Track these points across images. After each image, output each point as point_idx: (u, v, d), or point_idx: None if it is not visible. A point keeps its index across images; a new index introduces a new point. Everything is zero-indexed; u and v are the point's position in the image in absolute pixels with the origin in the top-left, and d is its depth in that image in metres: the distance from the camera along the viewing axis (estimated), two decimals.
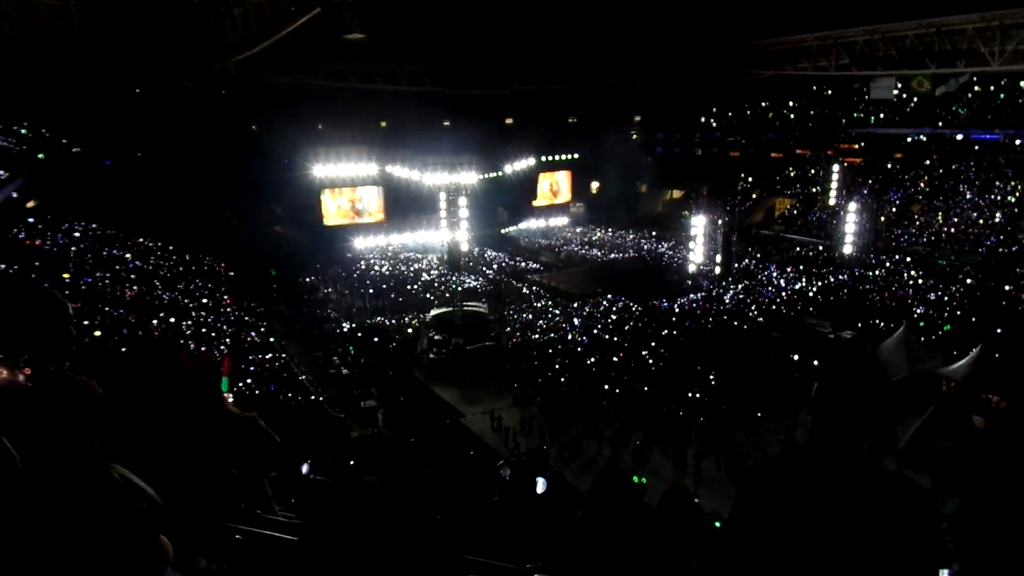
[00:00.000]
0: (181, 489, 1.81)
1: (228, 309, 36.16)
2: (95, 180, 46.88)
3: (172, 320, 30.83)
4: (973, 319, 30.85)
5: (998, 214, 45.04)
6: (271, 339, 32.99)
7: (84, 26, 30.28)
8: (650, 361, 28.79)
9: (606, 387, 25.94)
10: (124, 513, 1.29)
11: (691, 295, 39.44)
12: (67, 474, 1.32)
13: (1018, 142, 50.54)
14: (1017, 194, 46.20)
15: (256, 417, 3.37)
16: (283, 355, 30.88)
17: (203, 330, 30.70)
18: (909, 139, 56.72)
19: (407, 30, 45.21)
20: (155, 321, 28.17)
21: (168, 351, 3.73)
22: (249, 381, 24.60)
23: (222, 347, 28.78)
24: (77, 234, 39.38)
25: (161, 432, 2.54)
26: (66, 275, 32.32)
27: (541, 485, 4.25)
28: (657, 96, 62.41)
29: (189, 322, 31.52)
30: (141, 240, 42.41)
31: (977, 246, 42.76)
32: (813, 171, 56.94)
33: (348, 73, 45.02)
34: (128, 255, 39.62)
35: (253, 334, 32.80)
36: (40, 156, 47.09)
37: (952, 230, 45.36)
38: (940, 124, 55.08)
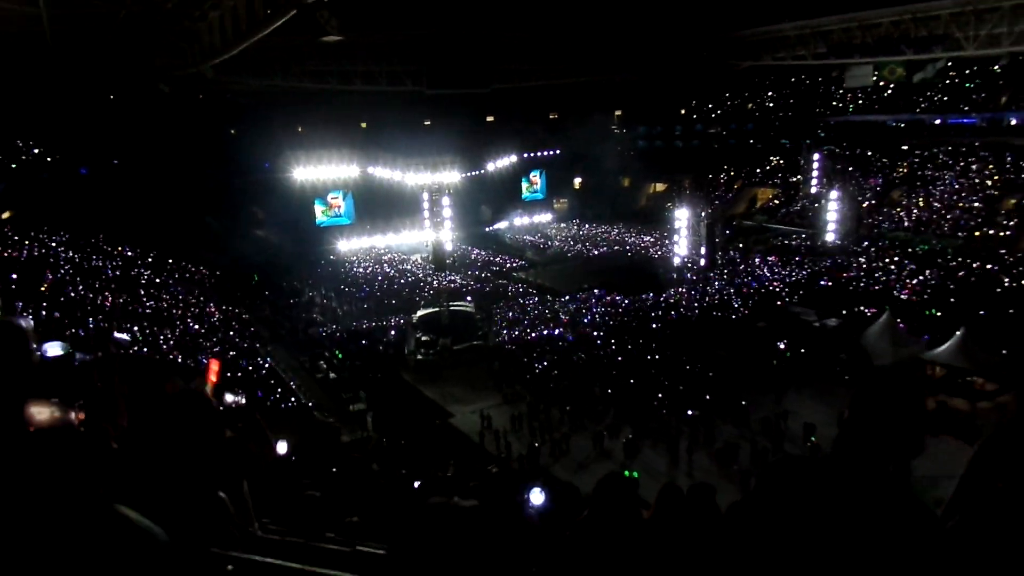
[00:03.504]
0: (168, 515, 1.70)
1: (212, 316, 35.78)
2: (71, 189, 46.26)
3: (155, 328, 30.47)
4: (955, 302, 31.18)
5: (976, 198, 45.56)
6: (256, 345, 32.68)
7: (55, 32, 29.76)
8: (637, 355, 28.81)
9: (595, 383, 25.95)
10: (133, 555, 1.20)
11: (676, 287, 39.55)
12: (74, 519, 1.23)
13: (994, 125, 51.20)
14: (995, 177, 46.73)
15: (244, 440, 3.26)
16: (268, 360, 30.59)
17: (186, 338, 30.34)
18: (888, 125, 57.27)
19: (385, 31, 44.95)
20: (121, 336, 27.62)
21: (149, 378, 3.60)
22: (236, 389, 24.34)
23: (207, 355, 28.48)
24: (54, 244, 38.80)
25: (148, 458, 2.44)
26: (44, 286, 31.86)
27: (537, 496, 4.00)
28: (637, 90, 62.54)
29: (173, 331, 31.17)
30: (120, 248, 41.86)
31: (957, 230, 43.23)
32: (793, 160, 57.32)
33: (327, 74, 44.73)
34: (108, 264, 39.10)
35: (238, 340, 32.48)
36: (13, 166, 46.40)
37: (932, 215, 45.83)
38: (917, 110, 55.63)
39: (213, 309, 36.97)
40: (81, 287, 33.75)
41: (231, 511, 2.15)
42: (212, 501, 2.09)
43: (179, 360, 26.42)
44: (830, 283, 36.98)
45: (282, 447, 6.43)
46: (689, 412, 22.71)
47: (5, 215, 40.26)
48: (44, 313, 27.67)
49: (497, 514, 2.95)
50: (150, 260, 42.03)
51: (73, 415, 1.53)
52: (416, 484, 11.22)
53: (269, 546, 2.48)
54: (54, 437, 1.47)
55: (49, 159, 49.04)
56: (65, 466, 1.40)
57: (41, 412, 1.51)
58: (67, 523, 1.16)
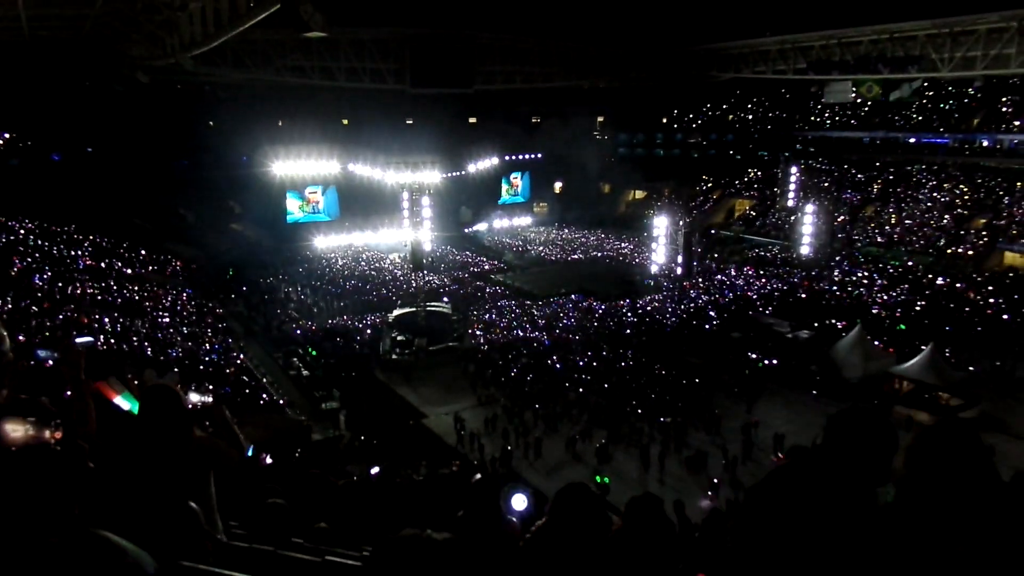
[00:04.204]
0: (140, 529, 1.65)
1: (184, 309, 35.23)
2: (43, 175, 45.35)
3: (126, 321, 29.94)
4: (924, 318, 31.77)
5: (947, 216, 46.49)
6: (228, 340, 32.24)
7: (30, 17, 29.15)
8: (612, 360, 28.93)
9: (568, 387, 26.01)
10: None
11: (653, 295, 39.79)
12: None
13: (966, 146, 52.40)
14: (966, 197, 47.73)
15: (215, 439, 3.22)
16: (241, 356, 30.19)
17: (158, 332, 29.86)
18: (864, 141, 58.33)
19: (369, 27, 44.73)
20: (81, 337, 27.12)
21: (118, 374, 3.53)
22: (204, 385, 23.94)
23: (179, 349, 28.07)
24: (23, 232, 38.00)
25: (118, 465, 2.39)
26: (13, 273, 31.24)
27: (520, 502, 3.91)
28: (620, 97, 62.94)
29: (144, 323, 30.66)
30: (92, 238, 41.08)
31: (928, 247, 44.06)
32: (771, 173, 58.05)
33: (309, 69, 44.28)
34: (78, 253, 38.36)
35: (210, 334, 32.02)
36: None
37: (904, 231, 46.67)
38: (893, 128, 56.70)
39: (185, 302, 36.41)
40: (48, 273, 33.11)
41: (202, 521, 2.11)
42: (183, 512, 2.05)
43: (148, 353, 25.99)
44: (804, 295, 37.46)
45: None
46: (662, 419, 22.89)
47: None
48: (10, 303, 27.11)
49: (474, 540, 2.94)
50: (122, 251, 41.31)
51: (48, 433, 1.47)
52: (374, 471, 11.14)
53: (238, 556, 2.44)
54: (29, 459, 1.42)
55: (21, 144, 48.02)
56: (40, 491, 1.35)
57: (16, 430, 1.45)
58: (43, 552, 1.12)
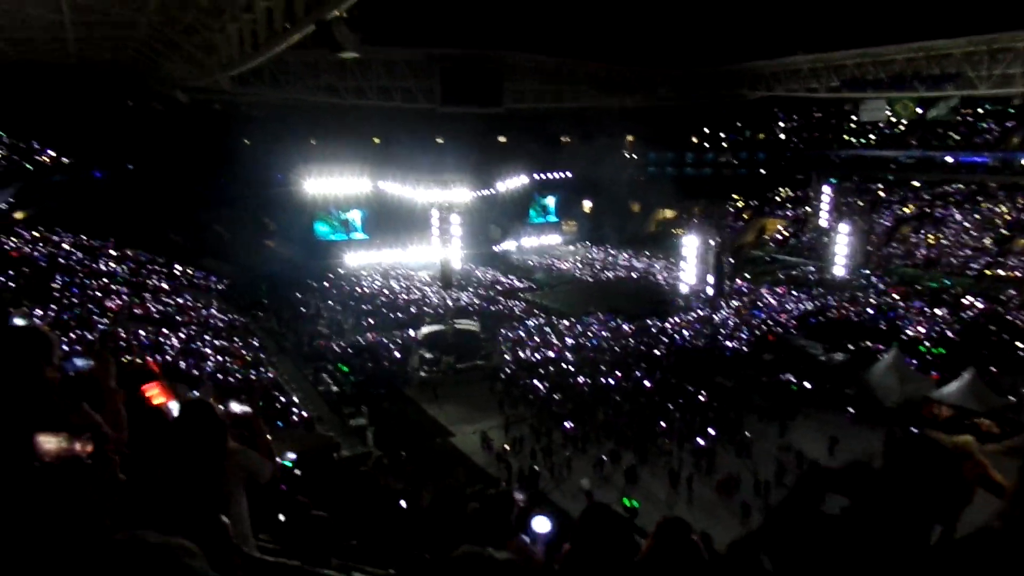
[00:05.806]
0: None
1: (217, 325, 35.78)
2: (85, 191, 46.62)
3: (161, 333, 30.50)
4: (964, 342, 30.92)
5: (986, 236, 45.39)
6: (260, 355, 32.62)
7: (77, 39, 30.19)
8: (641, 381, 28.62)
9: (597, 408, 25.76)
10: None
11: (683, 315, 39.39)
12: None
13: (1006, 165, 51.23)
14: (1006, 217, 46.59)
15: (247, 450, 3.21)
16: (272, 372, 30.50)
17: (192, 345, 30.34)
18: (900, 160, 57.38)
19: (401, 47, 45.49)
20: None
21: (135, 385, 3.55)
22: (241, 396, 24.20)
23: (209, 362, 28.46)
24: (66, 246, 39.03)
25: (149, 475, 2.39)
26: (53, 287, 32.04)
27: (543, 524, 3.83)
28: (649, 116, 62.83)
29: (178, 337, 31.19)
30: (131, 252, 42.05)
31: (967, 268, 43.02)
32: (804, 192, 57.34)
33: (342, 89, 45.08)
34: (118, 267, 39.27)
35: (243, 350, 32.42)
36: (29, 167, 46.85)
37: (942, 252, 45.66)
38: (929, 147, 55.73)
39: (219, 317, 36.98)
40: (86, 281, 33.88)
41: (231, 534, 2.09)
42: (213, 525, 2.04)
43: (182, 367, 26.39)
44: (837, 317, 36.77)
45: (290, 456, 6.43)
46: (697, 441, 22.51)
47: (19, 215, 40.54)
48: (53, 313, 27.79)
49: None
50: (160, 265, 42.20)
51: (79, 446, 1.46)
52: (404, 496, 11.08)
53: (266, 571, 2.43)
54: (61, 473, 1.42)
55: (65, 161, 49.47)
56: (72, 506, 1.35)
57: (48, 443, 1.45)
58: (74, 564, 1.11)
